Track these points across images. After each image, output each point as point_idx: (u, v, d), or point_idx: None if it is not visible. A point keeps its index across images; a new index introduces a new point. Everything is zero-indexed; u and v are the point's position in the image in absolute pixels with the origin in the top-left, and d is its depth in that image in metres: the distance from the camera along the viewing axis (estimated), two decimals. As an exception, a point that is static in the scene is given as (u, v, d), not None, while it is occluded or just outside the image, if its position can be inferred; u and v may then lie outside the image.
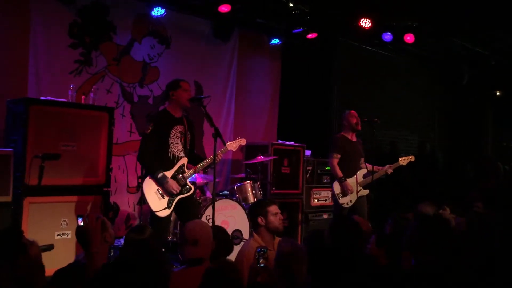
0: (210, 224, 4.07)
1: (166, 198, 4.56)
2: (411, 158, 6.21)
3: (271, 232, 3.73)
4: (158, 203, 4.53)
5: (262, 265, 3.05)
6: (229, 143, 4.96)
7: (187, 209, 4.71)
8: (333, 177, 6.05)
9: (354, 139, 6.15)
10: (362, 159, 6.18)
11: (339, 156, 5.99)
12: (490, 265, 3.01)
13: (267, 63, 8.33)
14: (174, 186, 4.55)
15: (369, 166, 5.99)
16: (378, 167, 6.06)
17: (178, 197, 4.63)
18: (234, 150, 5.06)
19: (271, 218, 3.69)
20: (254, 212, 3.84)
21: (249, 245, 3.75)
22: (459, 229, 3.82)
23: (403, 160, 6.16)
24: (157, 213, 4.51)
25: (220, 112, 7.57)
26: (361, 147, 6.21)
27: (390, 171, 6.06)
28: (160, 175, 4.49)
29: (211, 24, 7.38)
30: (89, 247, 2.78)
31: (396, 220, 4.27)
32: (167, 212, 4.56)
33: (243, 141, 5.06)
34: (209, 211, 5.08)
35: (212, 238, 3.22)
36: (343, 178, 5.90)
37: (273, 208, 3.71)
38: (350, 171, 5.97)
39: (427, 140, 9.72)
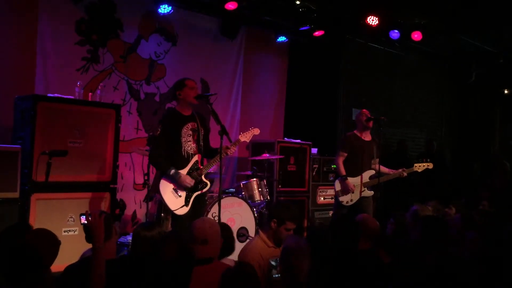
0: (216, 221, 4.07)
1: (183, 196, 4.53)
2: (429, 165, 5.96)
3: (273, 239, 3.70)
4: (175, 202, 4.50)
5: (276, 275, 3.04)
6: (241, 134, 4.77)
7: (197, 206, 4.67)
8: (338, 175, 6.00)
9: (368, 138, 5.98)
10: (375, 160, 5.92)
11: (345, 154, 5.91)
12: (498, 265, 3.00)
13: (274, 61, 8.31)
14: (187, 180, 4.50)
15: (384, 169, 5.86)
16: (393, 170, 5.92)
17: (195, 194, 4.59)
18: (247, 141, 4.89)
19: (283, 230, 3.65)
20: (273, 213, 3.75)
21: (254, 242, 3.74)
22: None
23: (419, 167, 5.96)
24: (176, 212, 4.47)
25: (227, 110, 7.56)
26: (376, 147, 5.98)
27: (404, 174, 5.89)
28: (172, 171, 4.45)
29: (218, 22, 7.38)
30: (93, 242, 2.85)
31: (398, 220, 4.26)
32: (185, 210, 4.52)
33: (256, 131, 4.80)
34: (215, 208, 5.08)
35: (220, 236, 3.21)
36: (344, 177, 5.82)
37: (290, 225, 3.66)
38: (355, 170, 5.86)
39: (434, 138, 9.67)
